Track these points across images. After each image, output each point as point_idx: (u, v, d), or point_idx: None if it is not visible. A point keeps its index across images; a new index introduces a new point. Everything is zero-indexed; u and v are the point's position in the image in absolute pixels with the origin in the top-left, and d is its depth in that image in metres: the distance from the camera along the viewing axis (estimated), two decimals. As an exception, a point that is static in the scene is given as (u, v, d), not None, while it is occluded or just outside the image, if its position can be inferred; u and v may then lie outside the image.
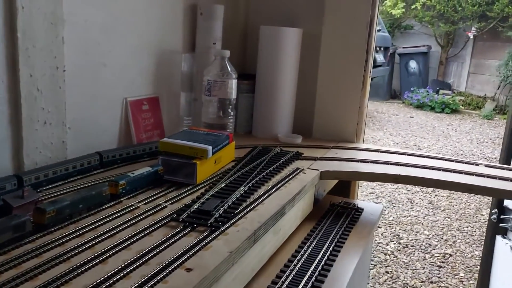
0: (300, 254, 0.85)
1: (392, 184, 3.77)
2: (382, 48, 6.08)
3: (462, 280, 2.37)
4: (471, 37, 7.11)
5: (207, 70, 1.16)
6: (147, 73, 1.11)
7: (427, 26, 7.45)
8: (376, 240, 2.75)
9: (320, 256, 0.85)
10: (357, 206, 1.12)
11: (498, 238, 1.83)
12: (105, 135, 1.01)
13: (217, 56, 1.16)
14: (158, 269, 0.57)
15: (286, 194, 0.86)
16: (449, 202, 3.42)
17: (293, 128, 1.37)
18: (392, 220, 3.07)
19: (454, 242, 2.78)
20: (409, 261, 2.52)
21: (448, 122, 6.08)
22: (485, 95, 7.04)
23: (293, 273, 0.79)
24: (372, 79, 6.28)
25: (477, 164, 1.13)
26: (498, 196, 0.97)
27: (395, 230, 2.90)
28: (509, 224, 1.77)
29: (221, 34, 1.24)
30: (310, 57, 1.34)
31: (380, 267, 2.45)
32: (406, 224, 3.00)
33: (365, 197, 3.46)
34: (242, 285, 0.71)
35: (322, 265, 0.83)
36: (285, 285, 0.75)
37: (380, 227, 2.93)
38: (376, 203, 3.32)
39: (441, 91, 6.85)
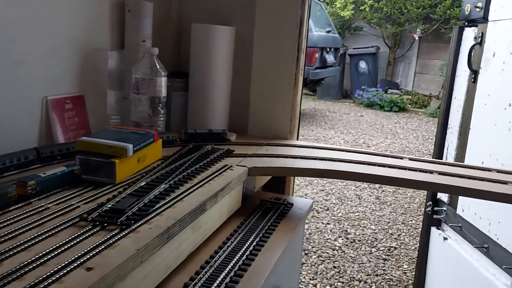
0: (222, 250, 0.85)
1: (341, 181, 3.84)
2: (332, 49, 6.21)
3: (406, 271, 2.46)
4: (417, 38, 7.41)
5: (135, 68, 1.14)
6: (71, 70, 1.07)
7: (376, 28, 7.69)
8: (325, 236, 2.80)
9: (242, 251, 0.86)
10: (287, 202, 1.13)
11: (433, 229, 1.91)
12: (24, 135, 0.97)
13: (146, 54, 1.14)
14: (55, 270, 0.55)
15: (209, 191, 0.86)
16: (395, 197, 3.53)
17: (229, 126, 1.37)
18: (340, 216, 3.13)
19: (399, 235, 2.87)
20: (356, 255, 2.58)
21: (396, 120, 6.29)
22: (430, 94, 7.35)
23: (213, 268, 0.78)
24: (323, 79, 6.34)
25: (401, 158, 1.17)
26: (415, 187, 1.01)
27: (343, 226, 2.97)
28: (442, 216, 1.85)
29: (151, 31, 1.22)
30: (243, 56, 1.35)
31: (328, 263, 2.50)
32: (354, 220, 3.07)
33: (315, 194, 3.52)
34: (156, 283, 0.70)
35: (243, 260, 0.83)
36: (202, 281, 0.74)
37: (329, 224, 2.99)
38: (326, 199, 3.38)
39: (389, 90, 7.09)
